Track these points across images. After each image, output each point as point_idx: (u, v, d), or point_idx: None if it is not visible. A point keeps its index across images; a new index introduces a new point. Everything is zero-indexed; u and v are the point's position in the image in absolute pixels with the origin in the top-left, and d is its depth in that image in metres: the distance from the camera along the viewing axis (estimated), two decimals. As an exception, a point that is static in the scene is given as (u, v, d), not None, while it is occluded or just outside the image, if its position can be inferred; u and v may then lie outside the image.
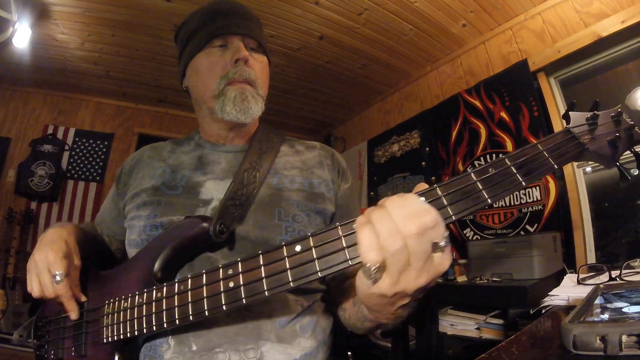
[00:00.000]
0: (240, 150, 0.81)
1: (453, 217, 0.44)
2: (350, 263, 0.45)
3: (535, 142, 0.49)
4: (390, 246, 0.37)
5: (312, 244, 0.46)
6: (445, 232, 0.38)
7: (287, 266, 0.47)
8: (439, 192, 0.45)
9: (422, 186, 0.43)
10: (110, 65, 2.83)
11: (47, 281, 0.64)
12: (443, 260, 0.40)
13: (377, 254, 0.38)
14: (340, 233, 0.46)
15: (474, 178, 0.45)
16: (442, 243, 0.38)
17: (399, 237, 0.37)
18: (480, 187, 0.45)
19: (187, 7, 2.11)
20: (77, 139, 3.23)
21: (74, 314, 0.67)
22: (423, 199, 0.41)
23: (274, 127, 0.89)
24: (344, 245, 0.45)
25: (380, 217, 0.38)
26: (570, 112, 0.52)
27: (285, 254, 0.48)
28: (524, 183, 0.45)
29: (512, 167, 0.46)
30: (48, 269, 0.64)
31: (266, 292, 0.48)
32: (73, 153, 3.20)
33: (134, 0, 2.12)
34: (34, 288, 0.65)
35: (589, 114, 0.51)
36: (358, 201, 3.21)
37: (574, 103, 0.53)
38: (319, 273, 0.46)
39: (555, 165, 0.47)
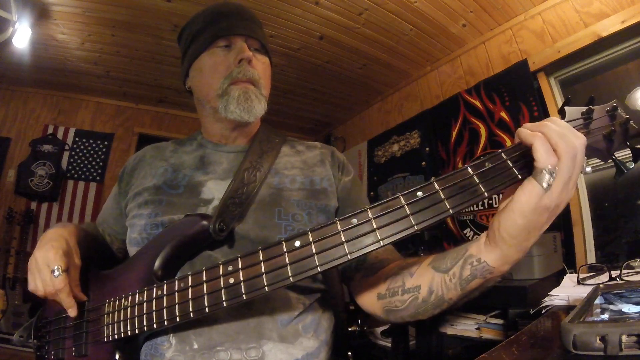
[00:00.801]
0: (242, 150, 0.81)
1: (450, 210, 0.44)
2: (349, 257, 0.45)
3: None
4: (566, 149, 0.43)
5: (311, 239, 0.47)
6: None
7: (287, 261, 0.48)
8: (436, 186, 0.45)
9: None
10: (110, 65, 2.83)
11: (47, 277, 0.64)
12: (572, 189, 0.46)
13: (555, 157, 0.43)
14: (339, 228, 0.46)
15: (471, 172, 0.46)
16: (585, 165, 0.46)
17: (572, 143, 0.43)
18: (477, 181, 0.45)
19: (187, 7, 2.11)
20: (77, 139, 3.23)
21: (72, 311, 0.66)
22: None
23: (275, 128, 0.89)
24: (343, 239, 0.46)
25: (549, 127, 0.44)
26: (565, 107, 0.52)
27: (284, 250, 0.48)
28: (520, 177, 0.46)
29: (509, 161, 0.46)
30: (48, 265, 0.64)
31: (266, 288, 0.49)
32: (73, 153, 3.20)
33: (134, 0, 2.12)
34: (37, 286, 0.65)
35: (584, 109, 0.52)
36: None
37: (570, 98, 0.53)
38: (318, 268, 0.46)
39: None
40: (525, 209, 0.45)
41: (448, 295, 0.55)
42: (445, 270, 0.55)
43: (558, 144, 0.43)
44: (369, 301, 0.67)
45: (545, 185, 0.43)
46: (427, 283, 0.57)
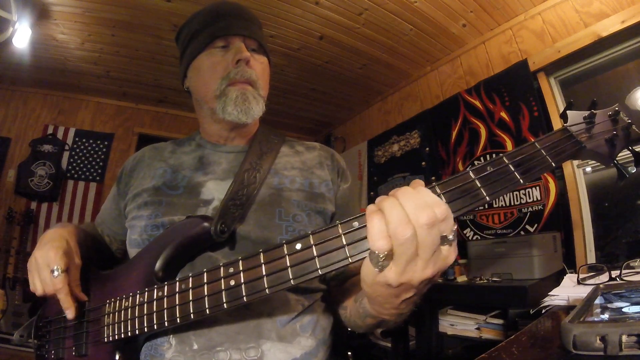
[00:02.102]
0: (241, 150, 0.81)
1: (452, 215, 0.44)
2: (350, 260, 0.45)
3: (533, 140, 0.49)
4: (400, 234, 0.37)
5: (312, 242, 0.47)
6: (454, 226, 0.39)
7: (288, 264, 0.48)
8: (438, 190, 0.45)
9: (419, 182, 0.43)
10: (110, 65, 2.83)
11: (47, 277, 0.64)
12: (450, 254, 0.40)
13: (386, 241, 0.38)
14: (341, 231, 0.46)
15: (473, 176, 0.46)
16: (451, 236, 0.39)
17: (410, 226, 0.37)
18: (479, 185, 0.45)
19: (187, 7, 2.11)
20: (77, 139, 3.23)
21: (70, 312, 0.65)
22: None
23: (274, 128, 0.89)
24: (344, 243, 0.46)
25: (391, 205, 0.39)
26: (567, 111, 0.52)
27: (285, 252, 0.48)
28: (522, 181, 0.45)
29: (510, 165, 0.46)
30: (47, 265, 0.64)
31: (267, 290, 0.48)
32: (73, 153, 3.20)
33: (134, 0, 2.12)
34: (36, 286, 0.65)
35: (586, 113, 0.52)
36: (358, 201, 3.21)
37: (572, 102, 0.53)
38: (319, 271, 0.46)
39: (552, 164, 0.48)
40: (365, 281, 0.45)
41: (358, 323, 0.66)
42: (355, 300, 0.65)
43: (395, 232, 0.37)
44: (335, 307, 0.76)
45: (378, 267, 0.41)
46: (350, 307, 0.69)
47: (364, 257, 0.46)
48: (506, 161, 0.46)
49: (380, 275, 0.41)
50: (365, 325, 0.64)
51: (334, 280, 0.78)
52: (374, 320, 0.59)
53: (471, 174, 0.46)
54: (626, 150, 0.53)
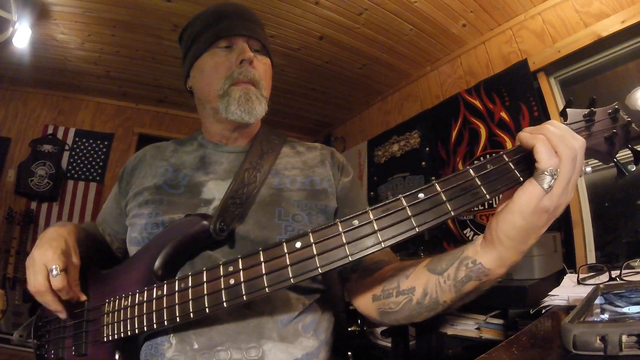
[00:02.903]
0: (242, 150, 0.81)
1: (452, 212, 0.44)
2: (350, 259, 0.45)
3: None
4: (567, 151, 0.43)
5: (312, 241, 0.47)
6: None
7: (288, 262, 0.48)
8: (438, 188, 0.45)
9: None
10: (110, 65, 2.83)
11: (44, 277, 0.63)
12: (572, 190, 0.46)
13: (556, 159, 0.43)
14: (340, 229, 0.46)
15: (473, 174, 0.46)
16: (586, 168, 0.44)
17: (573, 145, 0.44)
18: (479, 183, 0.45)
19: (187, 7, 2.11)
20: (77, 139, 3.23)
21: (62, 314, 0.66)
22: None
23: (275, 129, 0.90)
24: (344, 241, 0.46)
25: (548, 130, 0.44)
26: (567, 109, 0.52)
27: (285, 251, 0.48)
28: (522, 179, 0.46)
29: (510, 163, 0.46)
30: (45, 264, 0.64)
31: (267, 289, 0.48)
32: (73, 153, 3.20)
33: (134, 0, 2.12)
34: (31, 285, 0.65)
35: (585, 111, 0.52)
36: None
37: (571, 100, 0.53)
38: (319, 269, 0.46)
39: None
40: (525, 210, 0.44)
41: (443, 298, 0.55)
42: (440, 272, 0.55)
43: (559, 145, 0.43)
44: (364, 303, 0.67)
45: (546, 186, 0.43)
46: (422, 285, 0.57)
47: (366, 255, 0.46)
48: (506, 159, 0.46)
49: (546, 197, 0.44)
50: (453, 299, 0.54)
51: (356, 273, 0.71)
52: (478, 283, 0.51)
53: (471, 171, 0.46)
54: (626, 148, 0.53)
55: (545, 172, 0.43)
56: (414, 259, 0.63)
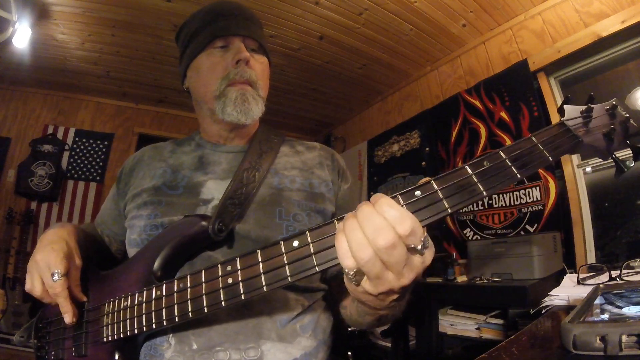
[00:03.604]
0: (241, 150, 0.81)
1: (449, 209, 0.44)
2: None
3: (530, 135, 0.49)
4: (360, 257, 0.37)
5: (309, 240, 0.47)
6: (423, 235, 0.38)
7: (285, 261, 0.47)
8: (435, 186, 0.45)
9: (378, 197, 0.41)
10: (110, 65, 2.83)
11: (47, 280, 0.64)
12: (424, 260, 0.40)
13: (352, 261, 0.38)
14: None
15: (469, 171, 0.45)
16: (419, 247, 0.38)
17: (368, 250, 0.37)
18: (476, 180, 0.45)
19: (187, 7, 2.11)
20: (77, 139, 3.23)
21: (68, 317, 0.65)
22: (394, 204, 0.40)
23: (274, 128, 0.89)
24: None
25: (350, 229, 0.38)
26: (565, 106, 0.52)
27: (283, 250, 0.48)
28: (519, 175, 0.45)
29: (507, 160, 0.46)
30: (48, 267, 0.64)
31: (265, 288, 0.48)
32: (73, 153, 3.20)
33: (134, 0, 2.12)
34: (35, 287, 0.65)
35: (583, 107, 0.51)
36: (358, 200, 3.20)
37: (569, 97, 0.53)
38: (316, 267, 0.46)
39: (550, 158, 0.47)
40: (350, 292, 0.47)
41: (359, 320, 0.67)
42: (353, 300, 0.65)
43: (355, 256, 0.38)
44: (337, 308, 0.76)
45: (353, 282, 0.42)
46: (349, 306, 0.70)
47: None
48: (503, 156, 0.46)
49: (358, 288, 0.43)
50: (366, 323, 0.66)
51: (335, 281, 0.77)
52: (372, 317, 0.61)
53: (468, 169, 0.46)
54: (624, 145, 0.53)
55: (345, 272, 0.40)
56: None
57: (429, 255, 0.40)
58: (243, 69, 0.75)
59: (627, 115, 0.51)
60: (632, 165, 0.53)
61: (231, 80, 0.74)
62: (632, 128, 0.51)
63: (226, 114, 0.74)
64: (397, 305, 0.49)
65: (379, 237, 0.36)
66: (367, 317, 0.63)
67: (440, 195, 0.44)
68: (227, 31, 0.77)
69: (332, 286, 0.78)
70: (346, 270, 0.40)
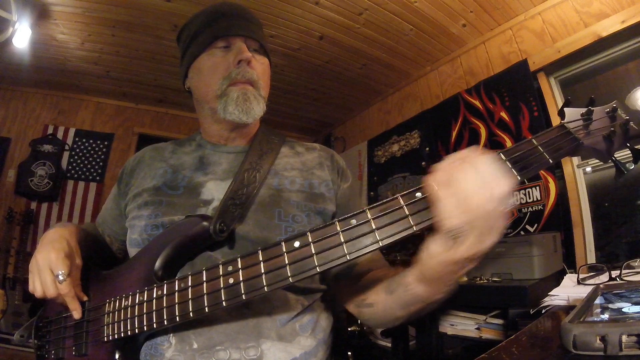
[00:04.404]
0: (241, 151, 0.81)
1: None
2: (348, 258, 0.45)
3: (530, 137, 0.49)
4: (473, 211, 0.39)
5: (310, 240, 0.47)
6: (511, 198, 0.41)
7: (286, 262, 0.48)
8: (435, 187, 0.45)
9: (478, 151, 0.44)
10: (110, 65, 2.83)
11: (49, 281, 0.64)
12: (504, 223, 0.42)
13: (461, 218, 0.39)
14: (339, 228, 0.46)
15: None
16: (509, 207, 0.41)
17: (482, 206, 0.39)
18: None
19: (187, 7, 2.11)
20: (77, 139, 3.23)
21: (77, 313, 0.67)
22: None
23: (274, 129, 0.89)
24: (342, 240, 0.46)
25: (462, 185, 0.39)
26: (565, 108, 0.52)
27: (284, 250, 0.48)
28: (519, 177, 0.45)
29: (508, 162, 0.46)
30: (50, 268, 0.64)
31: (265, 288, 0.49)
32: (73, 153, 3.20)
33: (134, 0, 2.12)
34: (36, 288, 0.65)
35: (583, 110, 0.52)
36: (359, 198, 3.20)
37: (570, 99, 0.53)
38: (317, 268, 0.46)
39: (550, 160, 0.48)
40: (433, 261, 0.47)
41: (398, 314, 0.62)
42: (391, 292, 0.61)
43: (466, 205, 0.39)
44: (351, 308, 0.74)
45: (448, 246, 0.42)
46: (381, 302, 0.64)
47: (364, 254, 0.46)
48: (503, 158, 0.46)
49: (449, 252, 0.42)
50: (406, 315, 0.62)
51: (345, 279, 0.75)
52: (422, 304, 0.58)
53: None
54: (624, 147, 0.53)
55: (447, 233, 0.41)
56: (390, 270, 0.70)
57: (506, 219, 0.42)
58: (245, 69, 0.75)
59: (627, 117, 0.51)
60: (632, 167, 0.53)
61: (233, 80, 0.75)
62: (632, 130, 0.52)
63: (228, 112, 0.74)
64: (455, 284, 0.51)
65: (495, 187, 0.39)
66: (414, 307, 0.59)
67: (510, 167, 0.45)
68: (229, 31, 0.77)
69: (341, 286, 0.76)
70: (450, 230, 0.40)
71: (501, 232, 0.42)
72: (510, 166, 0.46)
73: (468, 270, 0.49)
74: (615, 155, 0.53)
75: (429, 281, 0.52)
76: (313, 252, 0.46)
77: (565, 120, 0.52)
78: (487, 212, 0.39)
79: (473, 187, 0.39)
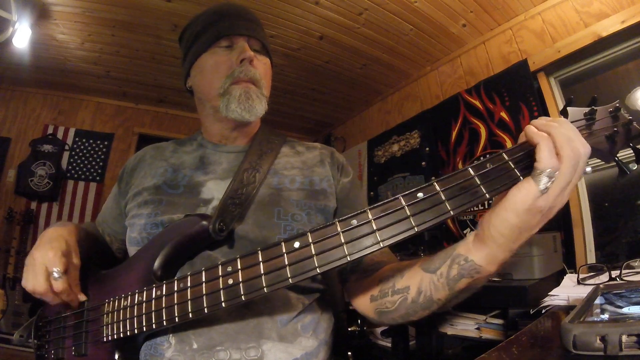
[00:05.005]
0: (242, 150, 0.81)
1: (451, 212, 0.44)
2: (348, 259, 0.45)
3: None
4: (571, 154, 0.42)
5: (310, 240, 0.47)
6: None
7: (286, 263, 0.47)
8: (437, 187, 0.45)
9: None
10: (110, 65, 2.83)
11: (42, 277, 0.63)
12: (573, 190, 0.46)
13: (557, 160, 0.42)
14: (339, 229, 0.46)
15: (472, 173, 0.45)
16: (588, 169, 0.45)
17: (577, 150, 0.43)
18: (478, 182, 0.45)
19: (187, 7, 2.11)
20: (77, 139, 3.23)
21: (75, 302, 0.67)
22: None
23: (275, 129, 0.90)
24: (343, 241, 0.45)
25: (559, 130, 0.43)
26: (567, 108, 0.52)
27: (284, 251, 0.48)
28: (522, 177, 0.45)
29: (510, 162, 0.46)
30: (46, 265, 0.64)
31: (265, 289, 0.48)
32: (73, 153, 3.20)
33: (134, 0, 2.12)
34: (28, 282, 0.65)
35: (586, 109, 0.52)
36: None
37: (572, 99, 0.53)
38: (317, 269, 0.46)
39: None
40: (519, 208, 0.45)
41: (437, 296, 0.55)
42: (433, 270, 0.55)
43: (563, 147, 0.42)
44: (363, 303, 0.68)
45: (542, 187, 0.43)
46: (416, 284, 0.58)
47: (364, 255, 0.46)
48: (506, 158, 0.46)
49: (541, 198, 0.43)
50: (448, 296, 0.55)
51: (355, 274, 0.73)
52: (471, 280, 0.52)
53: (471, 170, 0.46)
54: (627, 147, 0.53)
55: (544, 173, 0.43)
56: (414, 259, 0.64)
57: (570, 193, 0.46)
58: (247, 67, 0.76)
59: (630, 117, 0.51)
60: (634, 167, 0.53)
61: (235, 79, 0.75)
62: (635, 130, 0.52)
63: (230, 110, 0.75)
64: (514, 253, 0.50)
65: (580, 140, 0.45)
66: (462, 283, 0.52)
67: (443, 197, 0.44)
68: (232, 31, 0.78)
69: (351, 281, 0.73)
70: (546, 172, 0.43)
71: (571, 192, 0.45)
72: (513, 166, 0.46)
73: (541, 225, 0.47)
74: (618, 156, 0.53)
75: (497, 240, 0.47)
76: (313, 252, 0.46)
77: (568, 120, 0.52)
78: (578, 161, 0.43)
79: (570, 134, 0.43)
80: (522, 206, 0.44)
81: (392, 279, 0.62)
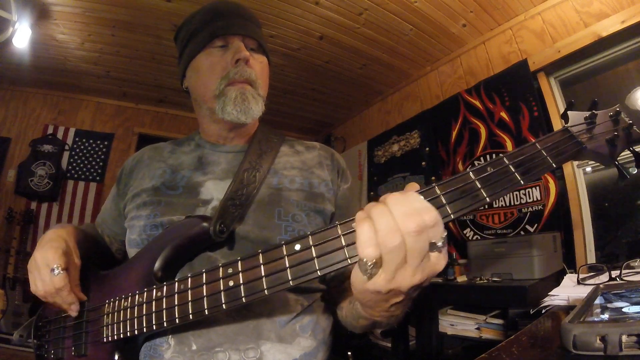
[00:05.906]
0: (240, 150, 0.81)
1: (452, 215, 0.44)
2: (349, 262, 0.45)
3: (533, 141, 0.49)
4: (388, 242, 0.37)
5: (311, 243, 0.46)
6: (444, 233, 0.38)
7: (287, 265, 0.47)
8: (438, 191, 0.45)
9: (414, 186, 0.43)
10: (110, 65, 2.83)
11: (47, 277, 0.64)
12: (439, 260, 0.39)
13: (374, 249, 0.38)
14: (340, 232, 0.46)
15: (473, 177, 0.45)
16: (440, 243, 0.38)
17: (398, 234, 0.37)
18: (479, 186, 0.45)
19: (187, 7, 2.11)
20: (77, 139, 3.23)
21: (74, 307, 0.66)
22: (422, 197, 0.41)
23: (273, 128, 0.89)
24: (343, 243, 0.45)
25: (380, 213, 0.38)
26: (568, 112, 0.52)
27: (284, 253, 0.48)
28: (522, 182, 0.45)
29: (511, 166, 0.46)
30: (47, 265, 0.64)
31: (266, 291, 0.48)
32: (73, 153, 3.20)
33: (134, 0, 2.12)
34: (37, 287, 0.65)
35: (587, 113, 0.51)
36: (358, 201, 3.21)
37: (573, 102, 0.53)
38: (318, 272, 0.46)
39: (553, 164, 0.47)
40: (356, 288, 0.44)
41: (353, 323, 0.66)
42: (350, 302, 0.66)
43: (383, 240, 0.37)
44: (336, 309, 0.75)
45: (366, 274, 0.40)
46: (344, 308, 0.69)
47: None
48: (506, 162, 0.46)
49: (369, 283, 0.41)
50: (359, 326, 0.65)
51: (334, 281, 0.77)
52: (367, 321, 0.59)
53: (471, 174, 0.46)
54: (627, 150, 0.53)
55: (363, 261, 0.39)
56: None
57: (443, 258, 0.40)
58: (243, 68, 0.75)
59: (631, 122, 0.51)
60: (634, 172, 0.53)
61: (231, 80, 0.74)
62: (635, 134, 0.51)
63: (226, 113, 0.74)
64: (396, 311, 0.49)
65: (409, 221, 0.36)
66: (361, 321, 0.61)
67: (443, 201, 0.44)
68: (227, 30, 0.77)
69: (331, 287, 0.78)
70: (364, 261, 0.38)
71: (435, 270, 0.40)
72: (513, 170, 0.46)
73: (404, 302, 0.45)
74: (618, 159, 0.53)
75: (361, 304, 0.52)
76: (314, 255, 0.46)
77: (569, 124, 0.51)
78: (404, 250, 0.37)
79: (387, 221, 0.37)
80: (357, 287, 0.44)
81: (342, 295, 0.73)
